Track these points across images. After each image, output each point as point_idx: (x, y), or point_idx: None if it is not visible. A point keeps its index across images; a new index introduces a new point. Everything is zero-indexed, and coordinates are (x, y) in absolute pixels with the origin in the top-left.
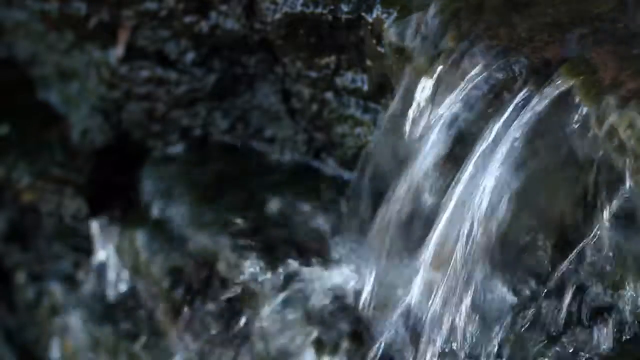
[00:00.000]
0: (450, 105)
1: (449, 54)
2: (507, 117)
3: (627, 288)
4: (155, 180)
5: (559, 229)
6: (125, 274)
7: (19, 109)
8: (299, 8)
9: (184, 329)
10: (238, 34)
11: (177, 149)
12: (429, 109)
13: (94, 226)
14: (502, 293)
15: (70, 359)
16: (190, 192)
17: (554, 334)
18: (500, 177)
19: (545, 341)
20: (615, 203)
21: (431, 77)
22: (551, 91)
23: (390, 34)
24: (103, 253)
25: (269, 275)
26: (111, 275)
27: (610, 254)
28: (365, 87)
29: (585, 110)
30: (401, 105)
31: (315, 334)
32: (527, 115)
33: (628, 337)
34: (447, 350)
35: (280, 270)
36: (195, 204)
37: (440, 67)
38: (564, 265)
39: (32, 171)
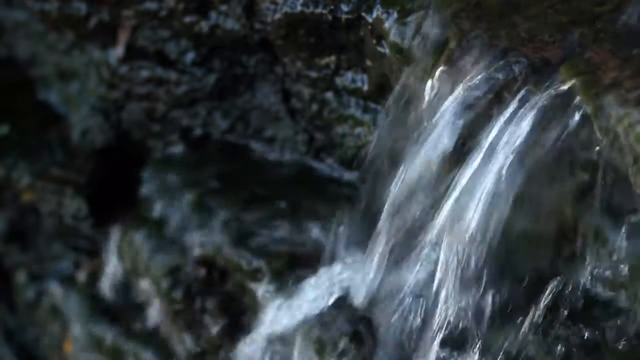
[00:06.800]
0: (451, 104)
1: (449, 54)
2: (507, 117)
3: (630, 288)
4: (155, 180)
5: (560, 228)
6: (126, 274)
7: (19, 109)
8: (299, 8)
9: (183, 328)
10: (238, 34)
11: (177, 149)
12: (430, 109)
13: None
14: (503, 291)
15: (70, 359)
16: (190, 192)
17: (560, 331)
18: (500, 177)
19: (551, 339)
20: (615, 203)
21: (431, 77)
22: (551, 91)
23: (391, 34)
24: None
25: (269, 275)
26: (111, 275)
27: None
28: (365, 87)
29: (585, 110)
30: (401, 105)
31: (315, 333)
32: (527, 115)
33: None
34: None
35: (281, 270)
36: (194, 203)
37: (440, 67)
38: (565, 265)
39: (32, 171)
